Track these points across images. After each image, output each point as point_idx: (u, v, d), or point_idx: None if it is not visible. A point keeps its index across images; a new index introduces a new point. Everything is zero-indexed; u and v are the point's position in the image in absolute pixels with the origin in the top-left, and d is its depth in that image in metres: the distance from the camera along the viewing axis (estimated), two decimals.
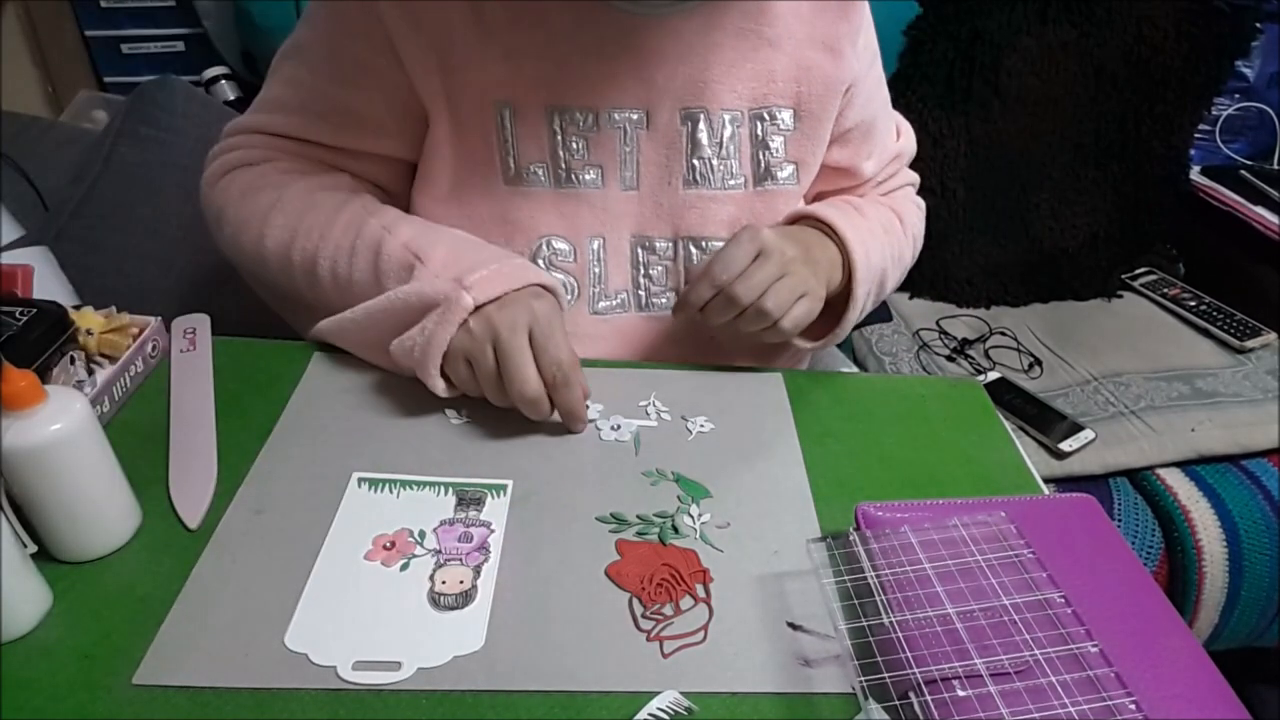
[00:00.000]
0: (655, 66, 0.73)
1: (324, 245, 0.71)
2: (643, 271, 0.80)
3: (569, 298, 0.79)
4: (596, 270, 0.79)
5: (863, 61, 0.79)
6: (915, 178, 0.95)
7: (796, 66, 0.76)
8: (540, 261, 0.77)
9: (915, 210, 0.92)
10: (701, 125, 0.76)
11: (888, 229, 0.83)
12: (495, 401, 0.66)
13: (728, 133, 0.77)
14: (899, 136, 0.92)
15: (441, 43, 0.71)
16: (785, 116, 0.78)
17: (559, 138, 0.74)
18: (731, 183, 0.78)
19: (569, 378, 0.64)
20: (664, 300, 0.81)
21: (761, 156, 0.79)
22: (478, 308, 0.64)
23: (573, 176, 0.76)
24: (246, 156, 0.77)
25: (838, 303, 0.78)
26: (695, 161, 0.77)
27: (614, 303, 0.81)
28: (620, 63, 0.73)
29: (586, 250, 0.78)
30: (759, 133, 0.78)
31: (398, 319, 0.67)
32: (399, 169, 0.79)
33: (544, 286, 0.68)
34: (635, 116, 0.75)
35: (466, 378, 0.65)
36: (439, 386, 0.66)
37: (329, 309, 0.72)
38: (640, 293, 0.81)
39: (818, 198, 0.87)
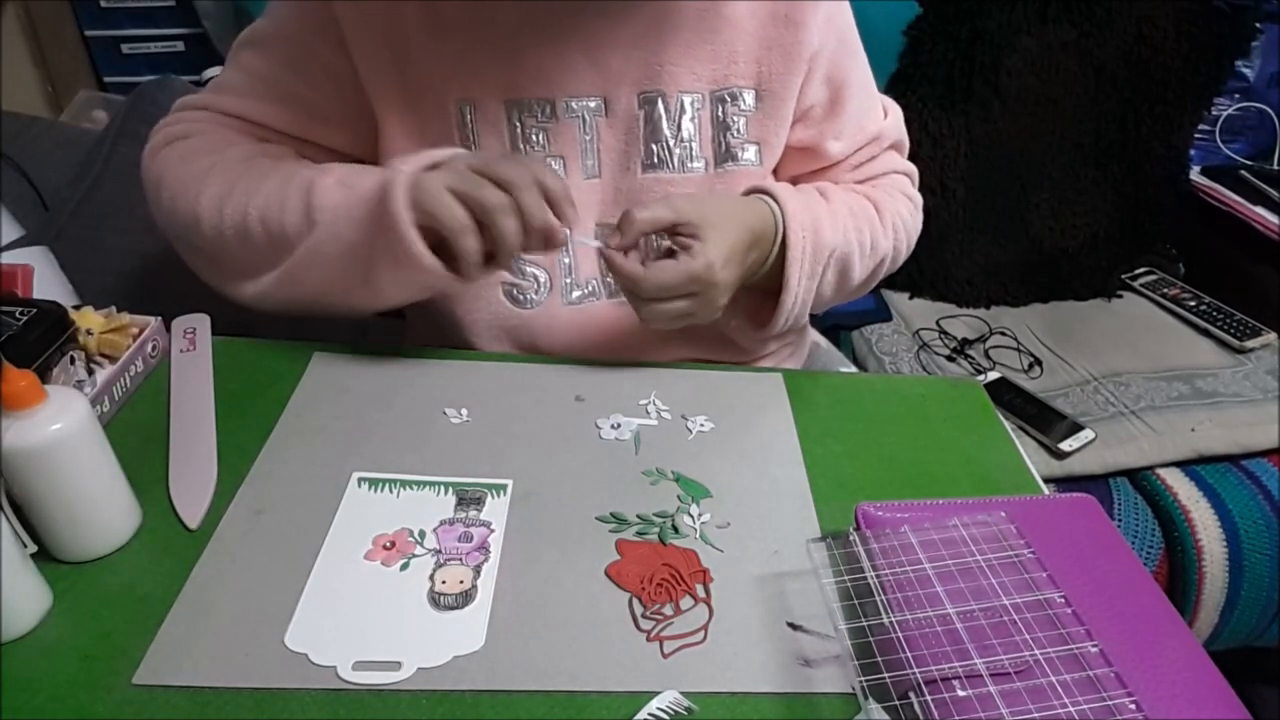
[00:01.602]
0: (610, 52, 0.73)
1: (255, 197, 0.69)
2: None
3: (542, 290, 0.79)
4: (566, 261, 0.79)
5: (827, 34, 0.77)
6: (909, 167, 0.89)
7: (758, 45, 0.75)
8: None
9: (903, 201, 0.85)
10: (659, 109, 0.75)
11: (854, 212, 0.79)
12: (470, 247, 0.62)
13: (688, 115, 0.76)
14: (886, 118, 0.87)
15: (397, 43, 0.71)
16: (747, 97, 0.77)
17: (519, 130, 0.74)
18: (692, 166, 0.78)
19: (529, 176, 0.63)
20: None
21: (723, 138, 0.78)
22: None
23: None
24: (191, 129, 0.76)
25: (778, 282, 0.75)
26: (653, 145, 0.77)
27: (585, 291, 0.80)
28: (574, 50, 0.73)
29: None
30: (720, 114, 0.77)
31: (345, 231, 0.66)
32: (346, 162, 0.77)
33: None
34: (593, 104, 0.75)
35: (444, 209, 0.62)
36: (420, 249, 0.63)
37: (260, 270, 0.70)
38: (609, 280, 0.81)
39: (795, 183, 0.84)
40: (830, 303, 0.83)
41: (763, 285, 0.76)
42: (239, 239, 0.70)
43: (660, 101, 0.75)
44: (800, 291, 0.75)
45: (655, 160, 0.77)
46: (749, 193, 0.77)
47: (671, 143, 0.77)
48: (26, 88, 1.74)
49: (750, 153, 0.79)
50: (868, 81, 0.84)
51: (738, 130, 0.78)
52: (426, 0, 0.71)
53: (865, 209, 0.81)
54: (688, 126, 0.77)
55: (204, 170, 0.72)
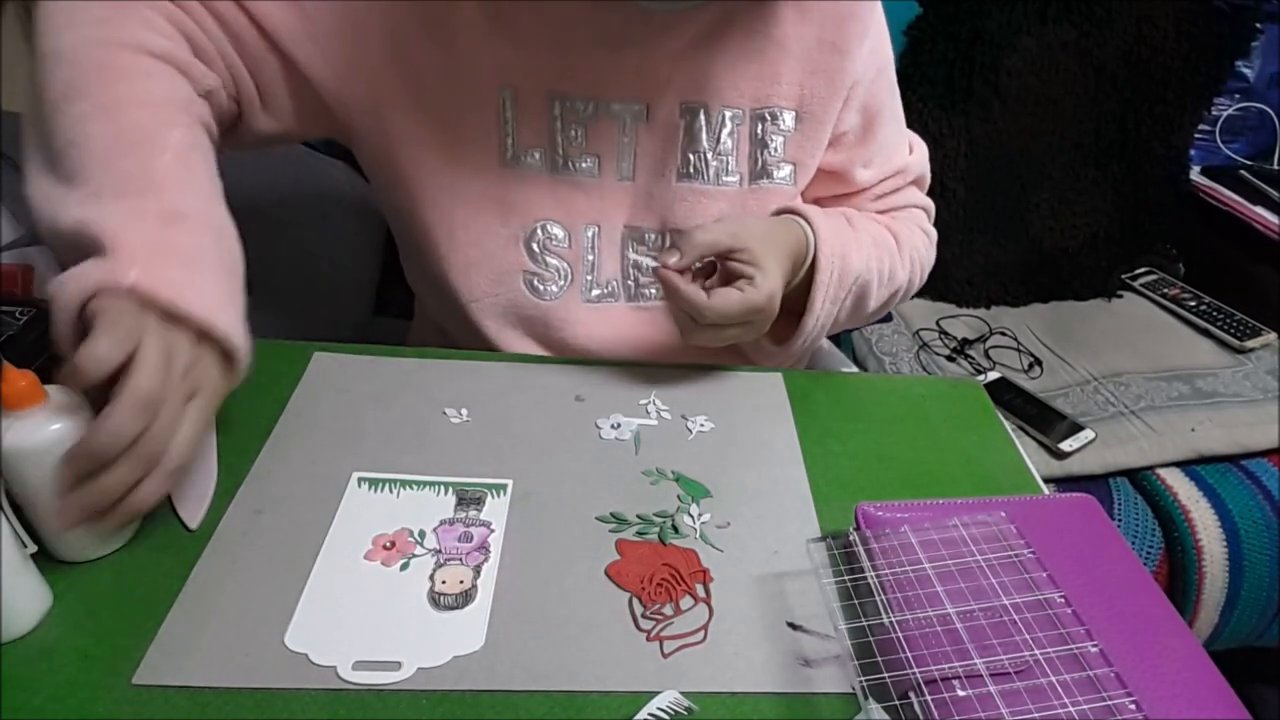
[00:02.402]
0: (659, 60, 0.73)
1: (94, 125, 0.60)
2: (633, 262, 0.80)
3: (562, 283, 0.79)
4: (590, 258, 0.79)
5: (869, 64, 0.79)
6: (927, 202, 0.91)
7: (803, 70, 0.76)
8: (535, 246, 0.78)
9: (920, 235, 0.88)
10: (700, 120, 0.76)
11: (877, 242, 0.81)
12: (73, 382, 0.51)
13: (727, 130, 0.77)
14: (911, 154, 0.89)
15: (442, 22, 0.70)
16: (787, 118, 0.78)
17: (558, 124, 0.75)
18: (726, 179, 0.78)
19: (172, 465, 0.52)
20: (653, 291, 0.81)
21: (759, 155, 0.78)
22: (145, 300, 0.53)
23: (569, 163, 0.76)
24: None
25: (801, 302, 0.76)
26: (690, 155, 0.77)
27: (605, 291, 0.81)
28: (625, 55, 0.73)
29: (581, 237, 0.78)
30: (759, 132, 0.78)
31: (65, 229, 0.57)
32: (275, 88, 0.71)
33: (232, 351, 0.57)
34: (636, 108, 0.75)
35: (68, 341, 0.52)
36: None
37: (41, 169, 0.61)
38: (629, 283, 0.81)
39: (818, 205, 0.86)
40: (843, 327, 0.84)
41: (785, 305, 0.76)
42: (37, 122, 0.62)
43: (702, 113, 0.76)
44: (822, 315, 0.76)
45: (691, 170, 0.77)
46: (780, 212, 0.78)
47: (709, 155, 0.77)
48: (27, 88, 1.74)
49: (785, 172, 0.80)
50: (899, 115, 0.86)
51: (775, 149, 0.78)
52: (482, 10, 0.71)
53: (886, 240, 0.82)
54: (726, 140, 0.77)
55: (77, 43, 0.63)
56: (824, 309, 0.76)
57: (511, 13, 0.71)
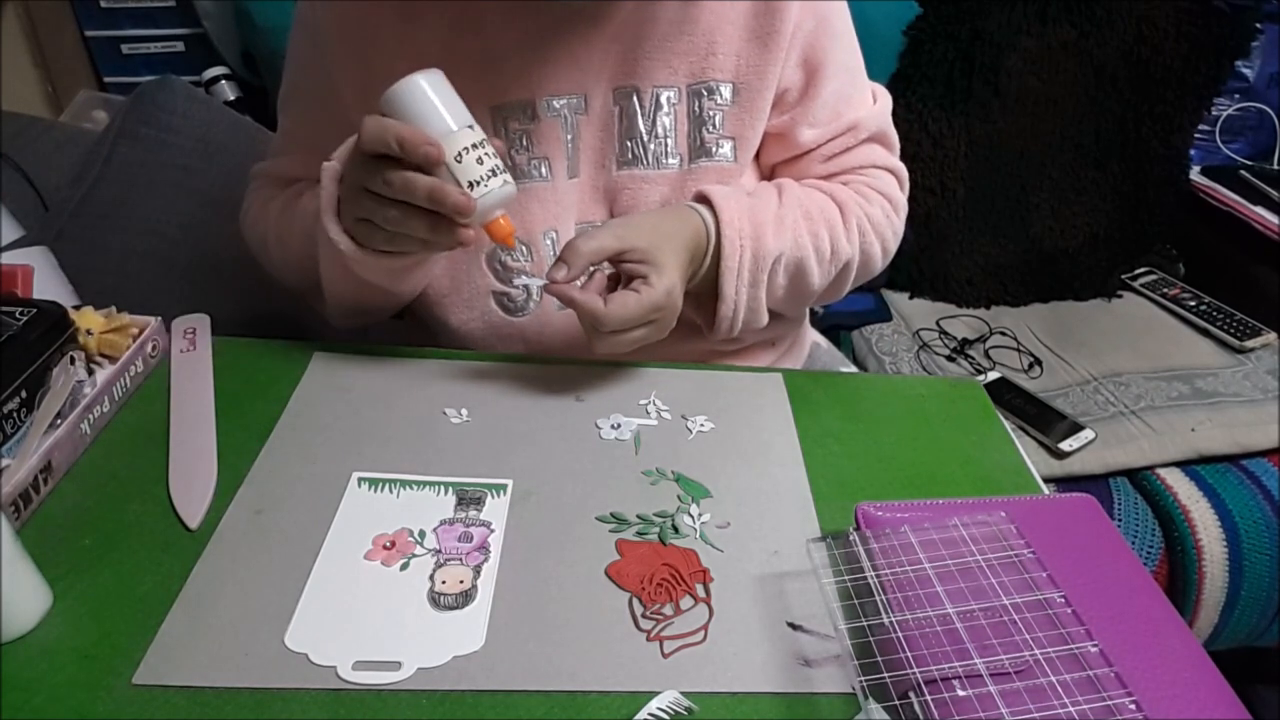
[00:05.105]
0: (589, 48, 0.73)
1: (291, 241, 0.77)
2: None
3: (534, 300, 0.79)
4: None
5: (804, 15, 0.75)
6: (893, 163, 0.84)
7: (738, 37, 0.74)
8: (498, 265, 0.77)
9: (878, 202, 0.81)
10: (635, 104, 0.75)
11: (811, 215, 0.76)
12: (398, 226, 0.63)
13: (664, 111, 0.75)
14: (875, 104, 0.83)
15: (377, 65, 0.71)
16: (725, 91, 0.76)
17: (504, 133, 0.75)
18: (668, 162, 0.77)
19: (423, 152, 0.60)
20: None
21: (698, 134, 0.77)
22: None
23: (520, 172, 0.76)
24: (257, 198, 0.84)
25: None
26: (628, 142, 0.76)
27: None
28: (554, 50, 0.72)
29: (542, 246, 0.78)
30: (697, 109, 0.76)
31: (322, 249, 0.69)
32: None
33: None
34: (573, 102, 0.75)
35: (372, 209, 0.63)
36: (340, 237, 0.66)
37: (322, 292, 0.75)
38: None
39: (773, 172, 0.84)
40: (793, 307, 0.82)
41: (703, 290, 0.75)
42: (301, 273, 0.77)
43: (635, 97, 0.75)
44: (742, 299, 0.73)
45: (630, 157, 0.77)
46: (697, 197, 0.75)
47: (646, 138, 0.76)
48: (26, 88, 1.73)
49: (726, 148, 0.78)
50: (853, 68, 0.81)
51: (713, 125, 0.77)
52: (404, 22, 0.71)
53: (826, 211, 0.78)
54: (663, 122, 0.76)
55: (263, 233, 0.81)
56: (742, 293, 0.73)
57: (437, 41, 0.71)
